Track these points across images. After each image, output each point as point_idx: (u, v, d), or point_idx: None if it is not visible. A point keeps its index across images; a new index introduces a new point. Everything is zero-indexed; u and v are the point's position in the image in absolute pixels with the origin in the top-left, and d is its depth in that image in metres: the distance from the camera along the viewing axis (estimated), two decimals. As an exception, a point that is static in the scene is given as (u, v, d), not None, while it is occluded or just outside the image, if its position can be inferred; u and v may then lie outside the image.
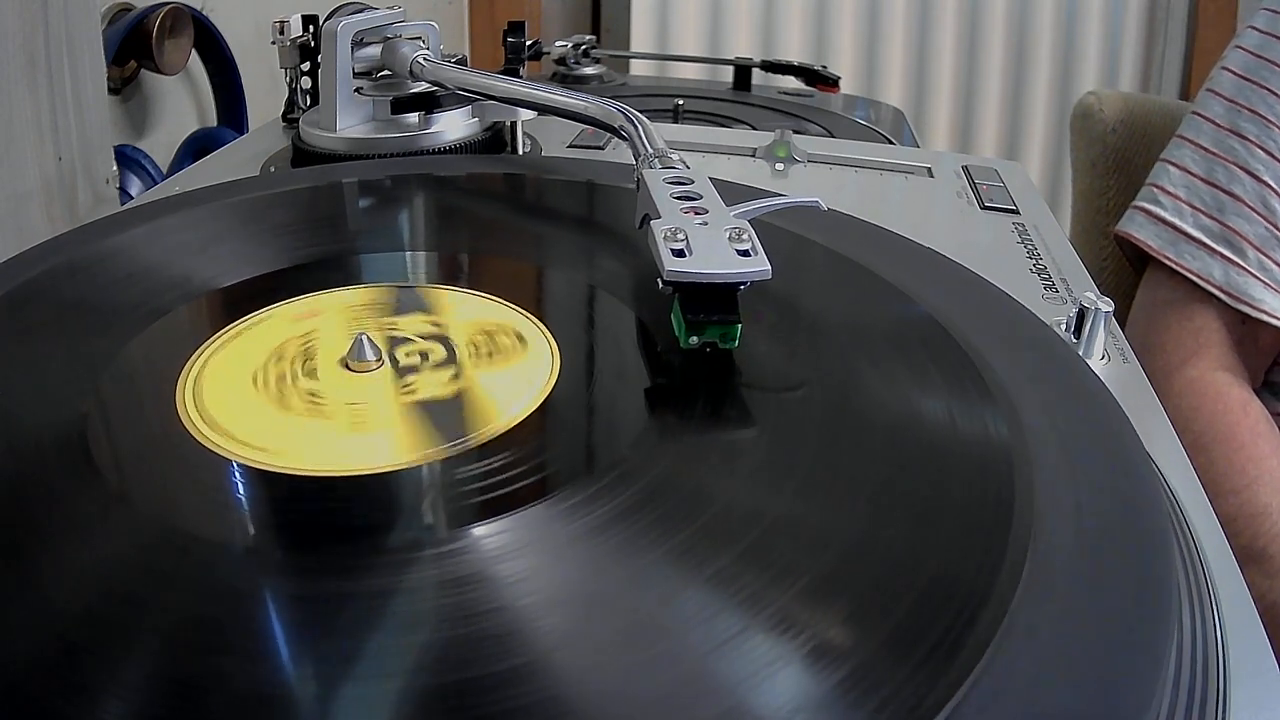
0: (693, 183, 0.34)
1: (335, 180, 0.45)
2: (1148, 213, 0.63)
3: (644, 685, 0.19)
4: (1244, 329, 0.60)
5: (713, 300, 0.29)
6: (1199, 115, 0.64)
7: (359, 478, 0.25)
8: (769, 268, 0.29)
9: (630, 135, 0.41)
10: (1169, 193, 0.63)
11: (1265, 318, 0.59)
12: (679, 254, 0.29)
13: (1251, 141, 0.61)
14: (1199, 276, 0.60)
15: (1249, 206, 0.60)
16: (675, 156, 0.37)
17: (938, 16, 1.55)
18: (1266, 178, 0.60)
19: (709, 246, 0.29)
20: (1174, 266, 0.61)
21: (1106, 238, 0.77)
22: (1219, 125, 0.63)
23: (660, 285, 0.29)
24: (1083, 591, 0.22)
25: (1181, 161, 0.63)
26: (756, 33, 1.58)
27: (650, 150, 0.38)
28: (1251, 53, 0.64)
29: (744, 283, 0.29)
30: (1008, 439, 0.26)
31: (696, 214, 0.31)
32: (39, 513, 0.24)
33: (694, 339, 0.29)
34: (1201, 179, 0.62)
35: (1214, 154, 0.62)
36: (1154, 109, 0.81)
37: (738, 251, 0.29)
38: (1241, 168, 0.61)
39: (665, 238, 0.29)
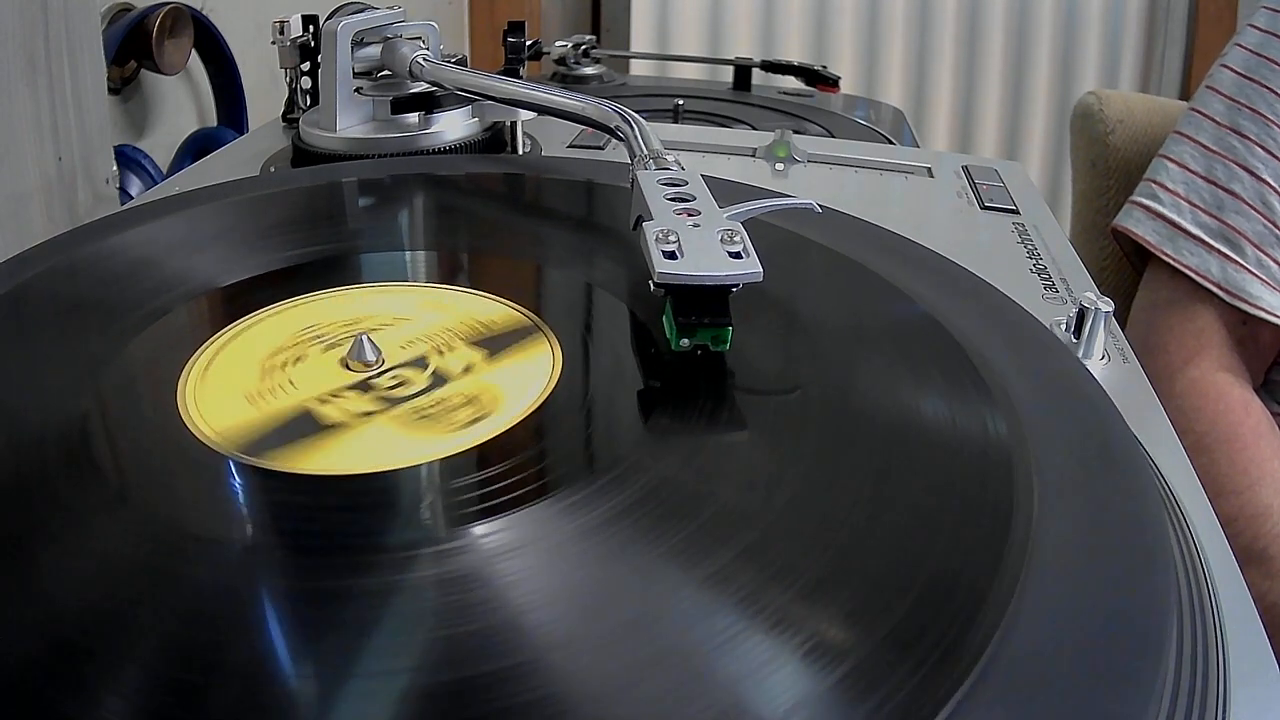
0: (686, 184, 0.34)
1: (335, 180, 0.45)
2: (1146, 208, 0.63)
3: (643, 683, 0.19)
4: (1244, 329, 0.60)
5: (704, 302, 0.29)
6: (1198, 112, 0.64)
7: (359, 477, 0.25)
8: (760, 270, 0.29)
9: (626, 136, 0.41)
10: (1168, 189, 0.63)
11: (1263, 315, 0.59)
12: (670, 256, 0.29)
13: (1251, 140, 0.61)
14: (1197, 273, 0.60)
15: (1248, 204, 0.60)
16: (670, 157, 0.37)
17: (938, 16, 1.55)
18: (1266, 176, 0.60)
19: (701, 248, 0.29)
20: (1172, 263, 0.61)
21: (1106, 238, 0.77)
22: (1219, 123, 0.63)
23: (652, 287, 0.29)
24: (1081, 592, 0.22)
25: (1181, 158, 0.63)
26: (756, 33, 1.58)
27: (645, 151, 0.38)
28: (1252, 51, 0.64)
29: (735, 285, 0.29)
30: (1007, 439, 0.26)
31: (689, 215, 0.31)
32: (39, 512, 0.24)
33: (685, 341, 0.29)
34: (1201, 176, 0.62)
35: (1214, 151, 0.62)
36: (1154, 109, 0.81)
37: (729, 253, 0.29)
38: (1241, 165, 0.61)
39: (657, 239, 0.29)
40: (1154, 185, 0.64)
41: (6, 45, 0.49)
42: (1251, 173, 0.60)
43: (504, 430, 0.27)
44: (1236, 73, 0.63)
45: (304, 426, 0.27)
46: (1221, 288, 0.59)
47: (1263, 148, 0.60)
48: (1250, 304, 0.59)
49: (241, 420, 0.27)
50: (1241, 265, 0.59)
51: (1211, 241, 0.60)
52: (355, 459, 0.26)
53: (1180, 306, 0.61)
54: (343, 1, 0.57)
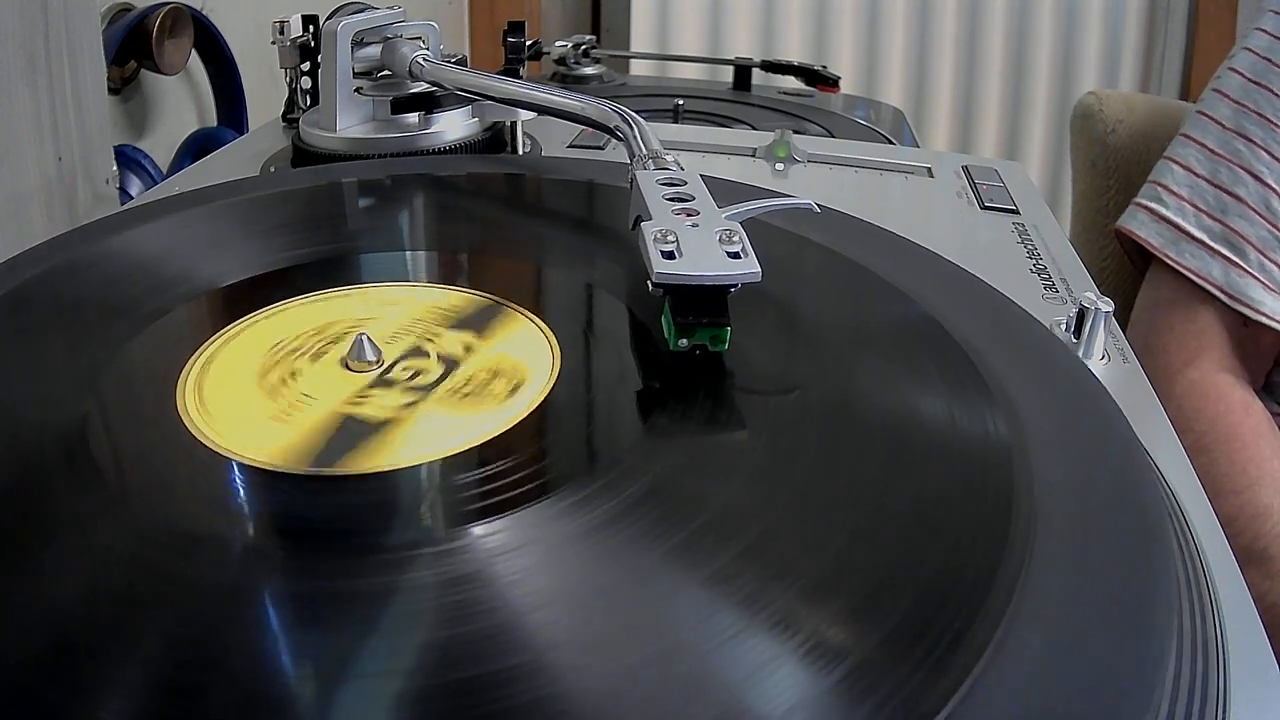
0: (685, 184, 0.34)
1: (335, 180, 0.45)
2: (1150, 211, 0.63)
3: (642, 684, 0.19)
4: (1245, 331, 0.60)
5: (702, 302, 0.29)
6: (1205, 115, 0.64)
7: (359, 477, 0.25)
8: (759, 270, 0.29)
9: (626, 136, 0.41)
10: (1172, 191, 0.63)
11: (1264, 320, 0.59)
12: (669, 256, 0.29)
13: (1256, 144, 0.61)
14: (1199, 276, 0.60)
15: (1251, 208, 0.60)
16: (670, 157, 0.37)
17: (938, 16, 1.55)
18: (1270, 180, 0.60)
19: (699, 248, 0.29)
20: (1174, 265, 0.61)
21: (1106, 238, 0.77)
22: (1225, 126, 0.63)
23: (650, 287, 0.29)
24: (1082, 591, 0.22)
25: (1186, 161, 0.63)
26: (756, 33, 1.58)
27: (645, 151, 0.38)
28: (1259, 55, 0.63)
29: (733, 285, 0.29)
30: (1007, 439, 0.26)
31: (688, 215, 0.31)
32: (39, 512, 0.24)
33: (683, 341, 0.29)
34: (1205, 179, 0.62)
35: (1219, 155, 0.62)
36: (1154, 109, 0.81)
37: (728, 253, 0.29)
38: (1245, 169, 0.61)
39: (655, 239, 0.29)
40: (1158, 187, 0.64)
41: (6, 45, 0.49)
42: (1256, 177, 0.60)
43: (503, 431, 0.27)
44: (1244, 76, 0.63)
45: (356, 430, 0.27)
46: (1224, 291, 0.59)
47: (1268, 152, 0.60)
48: (1252, 308, 0.59)
49: (242, 420, 0.27)
50: (1244, 269, 0.59)
51: (1214, 245, 0.60)
52: (355, 459, 0.26)
53: (1182, 307, 0.61)
54: (343, 1, 0.57)
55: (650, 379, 0.30)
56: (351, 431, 0.27)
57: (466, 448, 0.26)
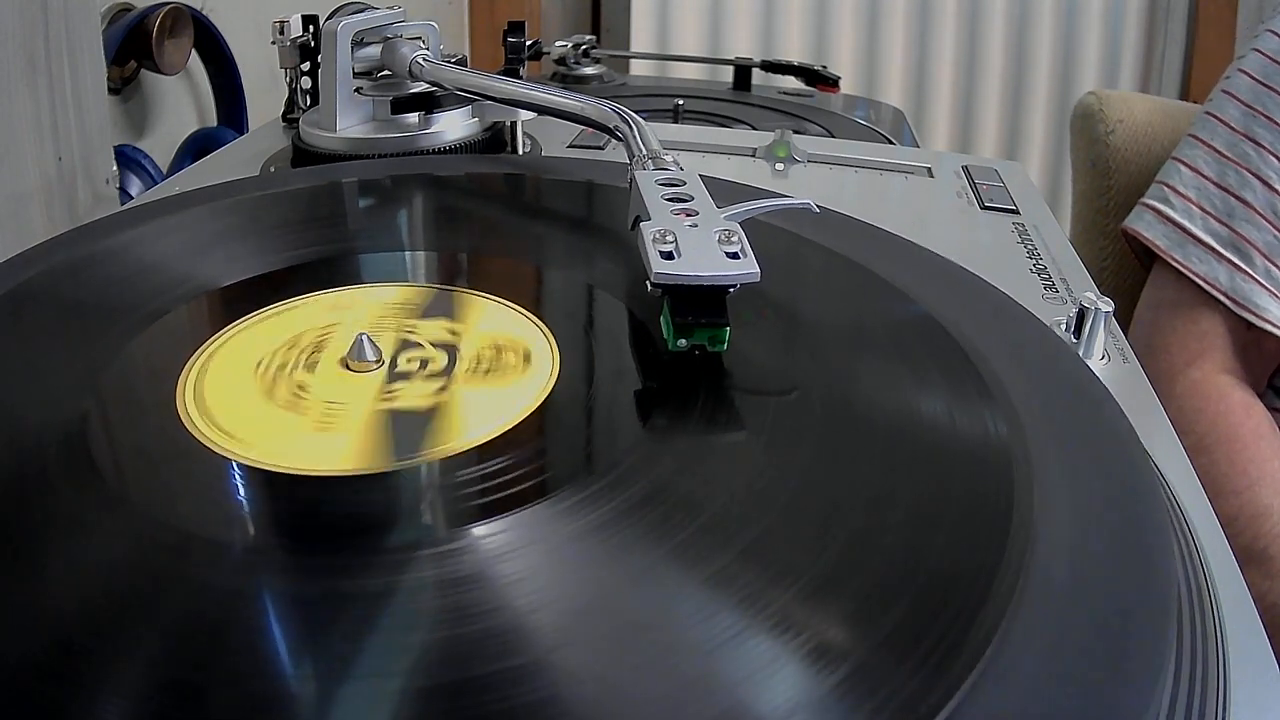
0: (684, 184, 0.34)
1: (335, 180, 0.45)
2: (1157, 212, 0.63)
3: (642, 685, 0.19)
4: (1249, 335, 0.60)
5: (701, 303, 0.29)
6: (1213, 116, 0.64)
7: (359, 477, 0.25)
8: (758, 270, 0.29)
9: (625, 136, 0.41)
10: (1179, 193, 0.63)
11: (1269, 327, 0.59)
12: (668, 256, 0.29)
13: (1265, 148, 0.60)
14: (1205, 280, 0.60)
15: (1259, 214, 0.60)
16: (669, 158, 0.37)
17: (938, 16, 1.55)
18: (1278, 185, 0.60)
19: (698, 249, 0.29)
20: (1180, 269, 0.61)
21: (1106, 238, 0.77)
22: (1233, 129, 0.62)
23: (649, 287, 0.29)
24: (1082, 591, 0.22)
25: (1193, 162, 0.63)
26: (756, 33, 1.58)
27: (644, 151, 0.38)
28: (1269, 57, 0.63)
29: (732, 285, 0.29)
30: (1007, 439, 0.26)
31: (687, 216, 0.31)
32: (39, 513, 0.24)
33: (682, 341, 0.29)
34: (1213, 182, 0.62)
35: (1227, 158, 0.62)
36: (1154, 109, 0.80)
37: (727, 254, 0.29)
38: (1254, 173, 0.60)
39: (654, 240, 0.29)
40: (1165, 188, 0.64)
41: (6, 45, 0.49)
42: (1264, 181, 0.60)
43: (506, 430, 0.27)
44: (1253, 79, 0.63)
45: (304, 426, 0.27)
46: (1229, 297, 0.59)
47: (1276, 156, 0.60)
48: (1257, 315, 0.59)
49: (241, 420, 0.27)
50: (1250, 275, 0.59)
51: (1221, 249, 0.60)
52: (355, 459, 0.26)
53: (1185, 309, 0.61)
54: (343, 1, 0.57)
55: (649, 379, 0.30)
56: (408, 424, 0.27)
57: (468, 448, 0.26)
